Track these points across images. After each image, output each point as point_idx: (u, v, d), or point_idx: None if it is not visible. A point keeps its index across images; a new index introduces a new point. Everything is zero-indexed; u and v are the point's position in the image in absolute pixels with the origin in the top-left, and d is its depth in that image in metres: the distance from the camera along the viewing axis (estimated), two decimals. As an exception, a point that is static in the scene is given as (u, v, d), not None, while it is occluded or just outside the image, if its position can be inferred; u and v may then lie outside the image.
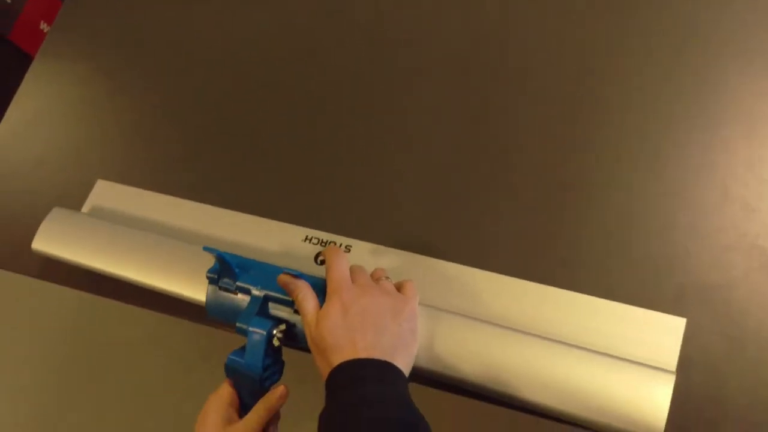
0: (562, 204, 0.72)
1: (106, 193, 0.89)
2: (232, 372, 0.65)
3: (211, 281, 0.69)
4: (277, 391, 0.66)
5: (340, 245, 0.75)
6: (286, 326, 0.64)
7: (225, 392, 0.66)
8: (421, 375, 0.63)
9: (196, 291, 0.73)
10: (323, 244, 0.76)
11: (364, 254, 0.74)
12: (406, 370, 0.57)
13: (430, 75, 0.84)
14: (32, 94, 1.03)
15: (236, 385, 0.66)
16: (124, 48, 1.02)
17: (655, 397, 0.56)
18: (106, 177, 0.91)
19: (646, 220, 0.69)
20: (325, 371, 0.56)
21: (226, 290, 0.68)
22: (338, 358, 0.55)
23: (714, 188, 0.68)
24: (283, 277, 0.63)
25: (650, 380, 0.57)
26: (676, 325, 0.62)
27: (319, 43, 0.91)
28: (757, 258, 0.64)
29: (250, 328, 0.63)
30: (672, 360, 0.60)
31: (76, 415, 1.81)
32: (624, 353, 0.61)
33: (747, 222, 0.66)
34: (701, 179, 0.69)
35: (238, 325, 0.64)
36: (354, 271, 0.63)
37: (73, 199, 0.89)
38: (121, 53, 1.01)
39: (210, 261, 0.69)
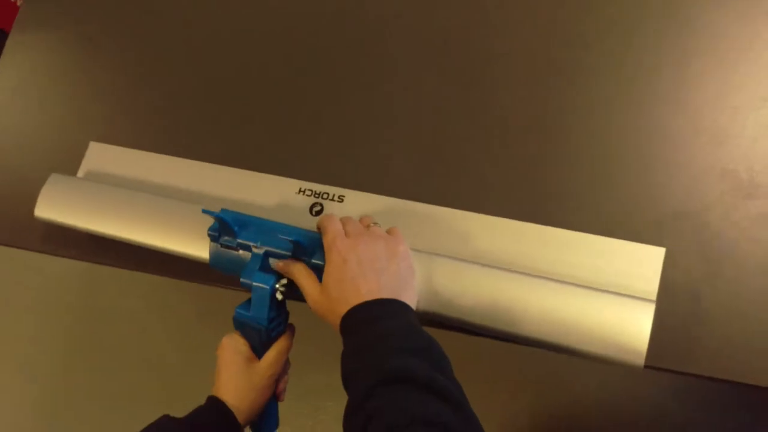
0: (541, 144, 0.74)
1: (100, 155, 0.90)
2: (240, 324, 0.68)
3: (213, 239, 0.71)
4: (287, 333, 0.70)
5: (334, 195, 0.77)
6: (288, 280, 0.67)
7: (239, 336, 0.69)
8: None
9: (198, 249, 0.76)
10: (317, 195, 0.78)
11: (357, 203, 0.76)
12: (412, 303, 0.60)
13: (416, 24, 0.84)
14: (12, 67, 1.03)
15: (244, 336, 0.69)
16: (100, 12, 1.01)
17: (637, 325, 0.60)
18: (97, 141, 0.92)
19: (623, 155, 0.71)
20: (336, 322, 0.59)
21: (228, 247, 0.70)
22: (346, 307, 0.58)
23: (686, 118, 0.70)
24: (278, 264, 0.66)
25: (632, 309, 0.61)
26: (656, 254, 0.65)
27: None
28: (728, 182, 0.67)
29: (254, 284, 0.66)
30: (652, 289, 0.64)
31: (83, 382, 1.86)
32: (607, 285, 0.64)
33: (718, 148, 0.68)
34: (673, 109, 0.71)
35: (242, 280, 0.67)
36: (344, 222, 0.65)
37: (66, 167, 0.90)
38: (98, 18, 1.01)
39: (210, 218, 0.71)
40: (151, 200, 0.80)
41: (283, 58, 0.89)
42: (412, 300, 0.61)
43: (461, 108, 0.79)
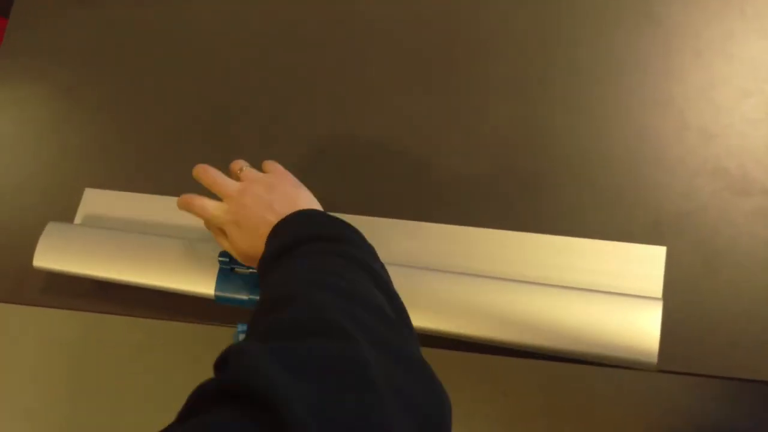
0: (530, 154, 0.75)
1: (95, 201, 0.90)
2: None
3: (223, 263, 0.73)
4: None
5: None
6: None
7: None
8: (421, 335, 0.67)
9: (203, 285, 0.75)
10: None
11: (360, 227, 0.76)
12: (312, 204, 0.65)
13: (400, 39, 0.86)
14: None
15: None
16: (74, 63, 1.01)
17: (647, 324, 0.61)
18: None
19: (613, 158, 0.72)
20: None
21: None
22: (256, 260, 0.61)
23: (672, 119, 0.71)
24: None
25: (640, 308, 0.62)
26: (657, 253, 0.66)
27: (289, 28, 0.92)
28: (721, 179, 0.68)
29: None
30: (657, 288, 0.65)
31: (92, 427, 1.85)
32: (611, 288, 0.65)
33: (707, 147, 0.69)
34: (659, 111, 0.72)
35: (249, 296, 0.70)
36: (216, 184, 0.67)
37: (62, 218, 0.89)
38: (74, 68, 1.01)
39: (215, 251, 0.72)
40: (152, 240, 0.80)
41: (268, 91, 0.89)
42: (310, 202, 0.65)
43: (451, 120, 0.80)
